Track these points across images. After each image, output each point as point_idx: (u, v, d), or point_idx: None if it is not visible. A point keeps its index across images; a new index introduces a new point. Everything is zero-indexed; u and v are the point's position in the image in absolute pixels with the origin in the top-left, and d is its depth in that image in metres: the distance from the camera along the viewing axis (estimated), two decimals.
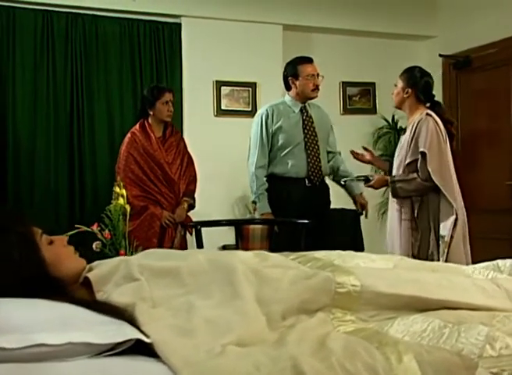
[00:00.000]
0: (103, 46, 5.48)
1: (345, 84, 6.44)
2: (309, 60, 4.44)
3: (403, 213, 3.82)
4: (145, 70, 5.62)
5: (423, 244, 3.74)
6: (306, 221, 3.71)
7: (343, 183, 4.39)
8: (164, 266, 1.74)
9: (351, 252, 2.21)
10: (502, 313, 1.91)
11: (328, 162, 4.59)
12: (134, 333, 1.45)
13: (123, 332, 1.44)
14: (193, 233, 4.61)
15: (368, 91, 6.48)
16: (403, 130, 4.20)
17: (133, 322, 1.52)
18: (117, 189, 3.71)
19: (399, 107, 4.02)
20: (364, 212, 4.55)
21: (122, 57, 5.55)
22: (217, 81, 5.84)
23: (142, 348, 1.47)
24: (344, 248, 4.57)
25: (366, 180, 4.00)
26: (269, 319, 1.66)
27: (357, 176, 4.16)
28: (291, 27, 6.07)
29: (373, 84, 6.46)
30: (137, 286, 1.66)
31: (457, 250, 3.64)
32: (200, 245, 3.59)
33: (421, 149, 3.72)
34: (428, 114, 3.81)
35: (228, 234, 5.56)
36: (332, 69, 6.37)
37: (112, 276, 1.73)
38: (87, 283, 1.74)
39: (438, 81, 6.43)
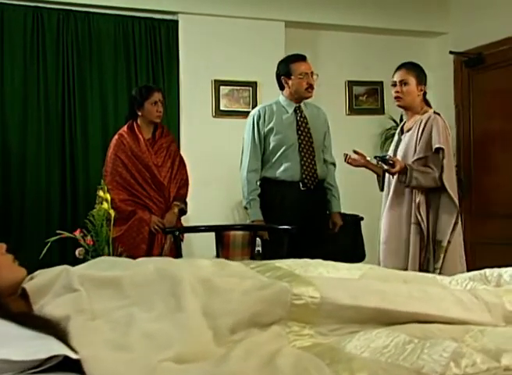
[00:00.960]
0: (97, 45, 5.44)
1: (351, 83, 6.37)
2: (302, 58, 4.40)
3: (412, 216, 3.73)
4: (141, 70, 5.59)
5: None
6: (288, 227, 3.66)
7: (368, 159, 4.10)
8: (106, 277, 1.70)
9: (319, 261, 2.15)
10: (477, 327, 1.85)
11: None
12: (61, 349, 1.41)
13: (48, 348, 1.40)
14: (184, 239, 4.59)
15: (375, 90, 6.40)
16: (399, 130, 4.10)
17: (65, 336, 1.48)
18: (101, 193, 3.70)
19: (406, 106, 3.92)
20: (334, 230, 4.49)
21: (117, 56, 5.51)
22: (216, 81, 5.79)
23: (78, 365, 1.43)
24: (344, 255, 4.53)
25: (384, 161, 3.76)
26: (216, 334, 1.61)
27: (376, 156, 3.89)
28: (294, 24, 6.02)
29: (381, 83, 6.38)
30: (75, 297, 1.62)
31: (454, 257, 3.57)
32: (179, 253, 3.55)
33: (437, 145, 3.67)
34: (435, 112, 3.82)
35: None
36: (338, 67, 6.34)
37: (51, 286, 1.69)
38: (26, 294, 1.69)
39: (449, 80, 6.37)
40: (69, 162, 5.31)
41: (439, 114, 3.79)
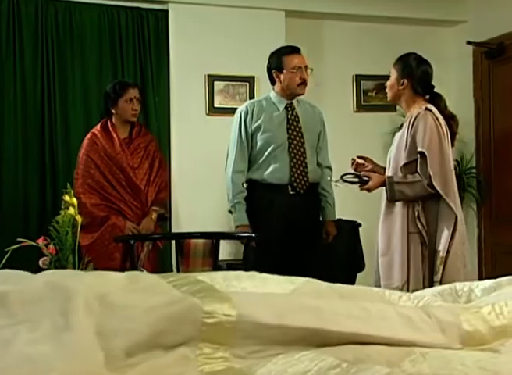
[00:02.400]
0: (79, 37, 5.40)
1: (359, 78, 6.26)
2: (296, 50, 4.36)
3: (411, 224, 3.63)
4: (128, 64, 5.54)
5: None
6: (250, 235, 3.58)
7: (334, 185, 4.12)
8: None
9: (253, 273, 2.05)
10: (420, 350, 1.75)
11: None
12: None
13: None
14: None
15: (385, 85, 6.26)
16: (398, 127, 4.01)
17: None
18: (67, 197, 3.64)
19: (394, 102, 3.93)
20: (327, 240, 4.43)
21: (102, 49, 5.48)
22: (209, 75, 5.74)
23: None
24: (340, 266, 4.44)
25: (361, 181, 3.77)
26: (109, 356, 1.52)
27: (344, 175, 3.86)
28: (295, 13, 5.94)
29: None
30: None
31: (454, 268, 3.47)
32: (133, 264, 3.50)
33: (419, 149, 3.58)
34: (427, 109, 3.68)
35: (229, 248, 5.48)
36: (344, 60, 6.25)
37: None
38: None
39: (467, 73, 6.25)
40: (48, 161, 5.26)
41: (430, 109, 3.66)
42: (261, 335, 1.68)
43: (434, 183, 3.54)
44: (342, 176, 3.81)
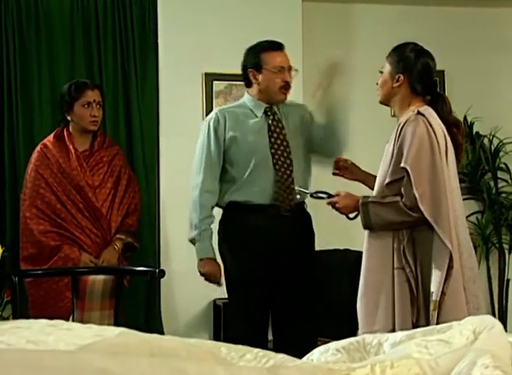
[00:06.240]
0: (45, 26, 5.42)
1: None
2: (277, 46, 4.32)
3: (396, 258, 3.51)
4: (106, 61, 5.53)
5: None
6: (154, 269, 3.91)
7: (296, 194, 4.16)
8: None
9: (59, 322, 2.00)
10: None
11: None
12: None
13: None
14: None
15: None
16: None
17: None
18: None
19: (386, 102, 3.81)
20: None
21: (74, 41, 5.48)
22: (207, 74, 5.75)
23: None
24: (342, 304, 4.34)
25: (328, 195, 3.80)
26: None
27: (315, 192, 3.94)
28: None
29: (441, 73, 6.14)
30: None
31: (452, 313, 3.31)
32: (22, 302, 3.52)
33: (401, 164, 3.46)
34: (419, 112, 3.54)
35: None
36: (377, 53, 6.01)
37: None
38: None
39: None
40: (9, 176, 5.27)
41: (423, 114, 3.53)
42: None
43: (421, 207, 3.40)
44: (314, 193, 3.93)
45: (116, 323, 3.73)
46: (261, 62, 4.24)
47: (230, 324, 4.60)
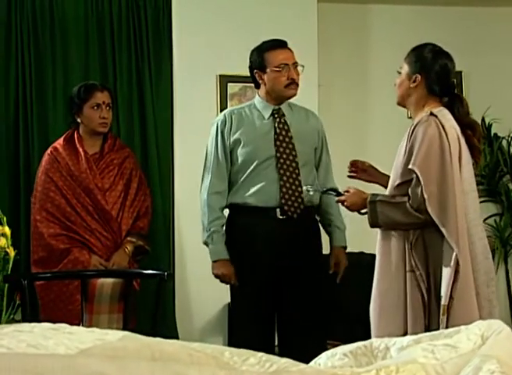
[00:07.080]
0: (60, 31, 5.44)
1: None
2: (280, 44, 4.30)
3: (408, 260, 3.49)
4: (120, 64, 5.54)
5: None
6: (163, 272, 3.77)
7: (306, 191, 4.16)
8: None
9: (62, 325, 2.01)
10: None
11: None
12: None
13: None
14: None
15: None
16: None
17: None
18: None
19: (402, 103, 3.81)
20: (337, 275, 4.38)
21: (88, 45, 5.50)
22: (222, 76, 5.75)
23: None
24: (355, 312, 4.32)
25: (337, 193, 3.88)
26: None
27: (325, 190, 4.08)
28: None
29: (459, 74, 6.11)
30: None
31: (462, 318, 3.26)
32: (33, 306, 3.58)
33: (409, 166, 3.46)
34: (432, 113, 3.53)
35: None
36: (394, 54, 6.02)
37: None
38: None
39: None
40: (23, 179, 5.28)
41: (435, 115, 3.52)
42: None
43: (428, 208, 3.39)
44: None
45: (125, 327, 3.74)
46: (265, 62, 4.25)
47: (235, 328, 4.61)
